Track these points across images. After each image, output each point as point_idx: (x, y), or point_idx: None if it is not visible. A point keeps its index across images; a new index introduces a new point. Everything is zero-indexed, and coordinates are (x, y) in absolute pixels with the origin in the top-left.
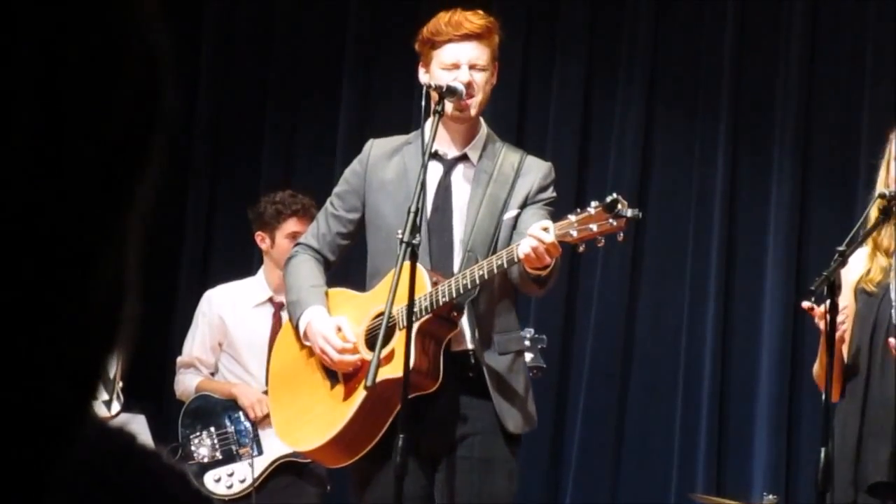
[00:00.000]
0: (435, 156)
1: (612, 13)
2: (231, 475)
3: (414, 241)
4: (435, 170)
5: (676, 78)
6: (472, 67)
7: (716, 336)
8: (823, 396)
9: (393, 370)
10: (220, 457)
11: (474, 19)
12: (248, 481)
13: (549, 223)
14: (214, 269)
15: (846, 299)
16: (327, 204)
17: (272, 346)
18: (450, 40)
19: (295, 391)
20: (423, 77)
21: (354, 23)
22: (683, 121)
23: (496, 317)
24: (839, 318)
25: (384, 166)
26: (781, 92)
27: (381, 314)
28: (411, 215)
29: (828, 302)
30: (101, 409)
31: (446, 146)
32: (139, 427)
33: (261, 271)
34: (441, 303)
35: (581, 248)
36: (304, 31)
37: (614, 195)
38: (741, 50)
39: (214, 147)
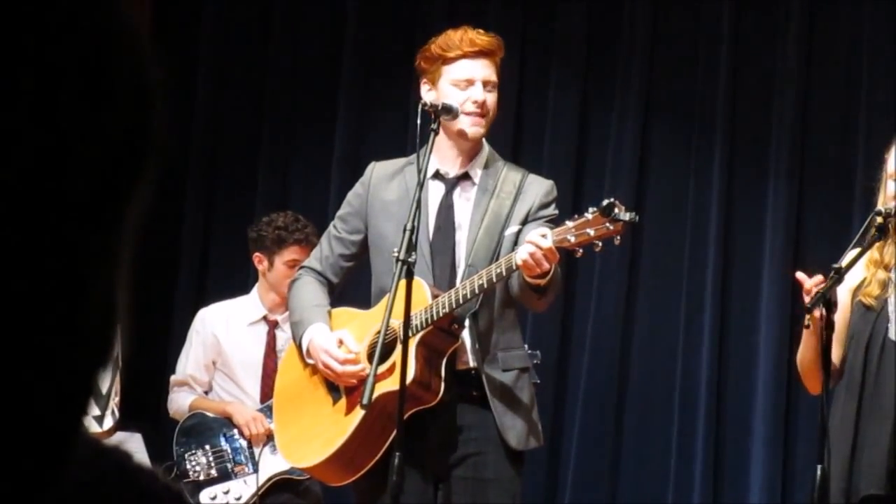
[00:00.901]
0: (437, 175)
1: (609, 25)
2: (227, 493)
3: (410, 259)
4: (437, 189)
5: (673, 89)
6: (484, 86)
7: (712, 350)
8: (820, 413)
9: (393, 383)
10: (216, 475)
11: (485, 36)
12: (244, 499)
13: (546, 230)
14: (210, 288)
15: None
16: (330, 226)
17: (266, 364)
18: (463, 56)
19: (298, 410)
20: (428, 94)
21: (350, 43)
22: (680, 132)
23: (499, 333)
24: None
25: (385, 187)
26: (778, 102)
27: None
28: (407, 233)
29: (824, 319)
30: (92, 425)
31: (448, 165)
32: (135, 446)
33: (255, 290)
34: (441, 314)
35: (579, 254)
36: (299, 52)
37: (611, 199)
38: (737, 61)
39: (210, 166)
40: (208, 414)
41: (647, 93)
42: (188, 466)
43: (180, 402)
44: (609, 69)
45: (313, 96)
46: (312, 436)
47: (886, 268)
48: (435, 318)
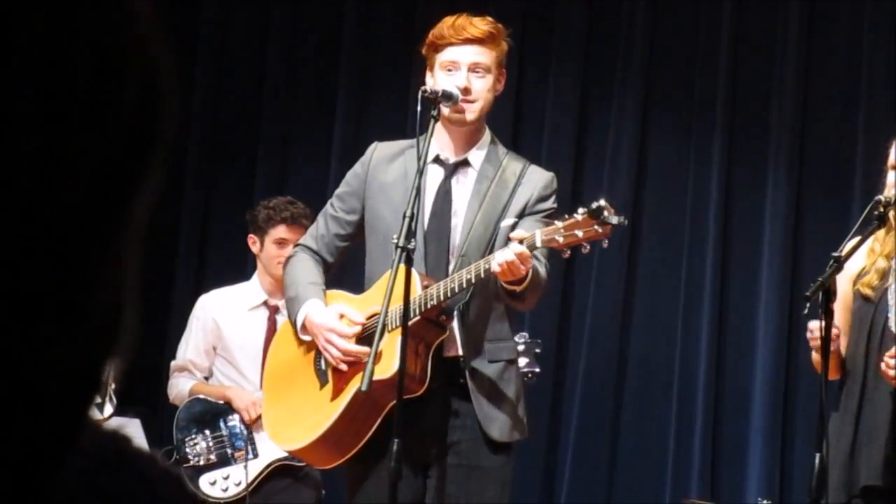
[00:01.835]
0: (436, 160)
1: (608, 23)
2: (226, 478)
3: (409, 246)
4: (436, 174)
5: (671, 87)
6: (472, 71)
7: (710, 342)
8: (819, 402)
9: (381, 371)
10: (215, 460)
11: (479, 24)
12: (244, 484)
13: (524, 233)
14: (209, 274)
15: (843, 292)
16: (327, 205)
17: (267, 349)
18: (451, 43)
19: (287, 390)
20: (429, 82)
21: (349, 31)
22: (678, 129)
23: (487, 325)
24: (833, 332)
25: (385, 169)
26: (776, 100)
27: (375, 315)
28: (407, 220)
29: (823, 307)
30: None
31: (448, 151)
32: (134, 431)
33: (255, 276)
34: (429, 306)
35: (566, 254)
36: (298, 40)
37: (601, 202)
38: (736, 60)
39: (209, 152)
40: (208, 399)
41: (646, 85)
42: (188, 451)
43: (180, 387)
44: (608, 62)
45: (312, 83)
46: (298, 418)
47: (887, 257)
48: (423, 308)
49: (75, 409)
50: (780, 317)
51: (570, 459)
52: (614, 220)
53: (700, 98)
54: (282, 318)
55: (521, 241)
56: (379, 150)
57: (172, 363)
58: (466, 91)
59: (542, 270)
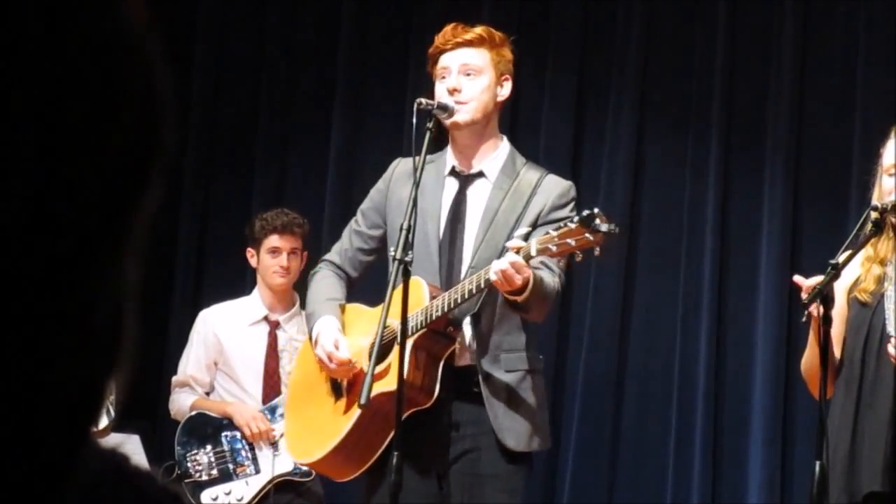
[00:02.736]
0: (452, 172)
1: (604, 27)
2: (228, 494)
3: (406, 259)
4: (451, 187)
5: (668, 91)
6: (464, 73)
7: (709, 348)
8: (819, 409)
9: (387, 384)
10: (217, 475)
11: (471, 29)
12: (245, 500)
13: (520, 243)
14: (208, 288)
15: (838, 304)
16: (352, 220)
17: (268, 364)
18: (444, 51)
19: (305, 404)
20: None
21: (346, 42)
22: (675, 134)
23: (502, 335)
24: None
25: (404, 184)
26: (773, 104)
27: (385, 328)
28: (403, 232)
29: (821, 314)
30: None
31: (463, 163)
32: (133, 447)
33: (255, 290)
34: (435, 317)
35: (579, 258)
36: (295, 51)
37: (594, 210)
38: (732, 64)
39: (206, 166)
40: (210, 414)
41: (642, 90)
42: (189, 466)
43: (181, 402)
44: (604, 66)
45: (309, 96)
46: (313, 432)
47: (882, 262)
48: (430, 320)
49: (77, 426)
50: (778, 323)
51: (570, 466)
52: (604, 227)
53: (696, 105)
54: (282, 333)
55: (517, 251)
56: (401, 166)
57: (173, 378)
58: (454, 91)
59: (553, 281)
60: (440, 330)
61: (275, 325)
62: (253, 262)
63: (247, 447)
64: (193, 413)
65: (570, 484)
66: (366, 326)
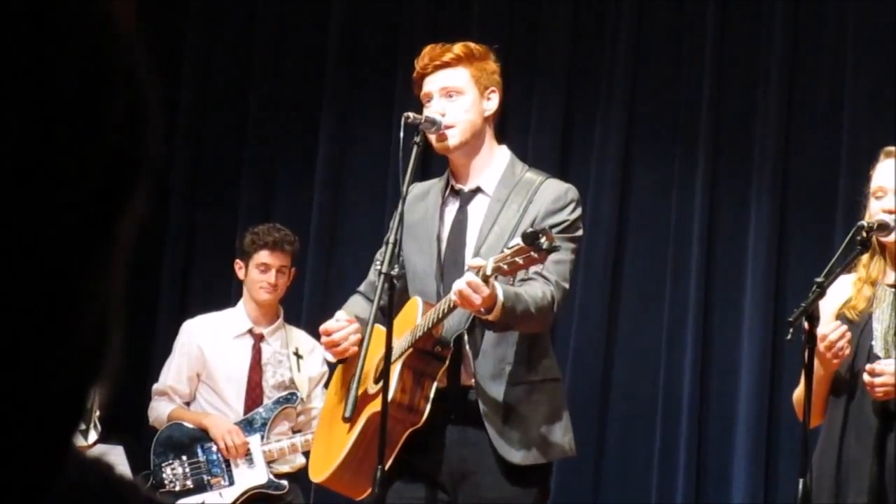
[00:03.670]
0: (453, 191)
1: (591, 47)
2: None
3: (392, 273)
4: (453, 206)
5: (655, 110)
6: (445, 96)
7: (694, 366)
8: (803, 427)
9: (378, 404)
10: (192, 486)
11: (448, 49)
12: None
13: (480, 262)
14: (192, 301)
15: (826, 327)
16: (378, 252)
17: (251, 377)
18: (425, 75)
19: (329, 423)
20: None
21: (333, 57)
22: (662, 154)
23: (508, 346)
24: (840, 343)
25: (414, 210)
26: (760, 123)
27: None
28: (389, 246)
29: (806, 333)
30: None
31: (462, 180)
32: (117, 458)
33: (241, 303)
34: (419, 336)
35: (534, 271)
36: (283, 65)
37: (537, 228)
38: (720, 82)
39: (193, 179)
40: (186, 425)
41: (630, 106)
42: (164, 476)
43: (160, 410)
44: (592, 82)
45: (296, 112)
46: (326, 450)
47: (873, 283)
48: (414, 340)
49: (60, 435)
50: (763, 341)
51: (553, 484)
52: (546, 245)
53: (683, 123)
54: (266, 347)
55: (478, 271)
56: (413, 191)
57: (154, 386)
58: (441, 116)
59: (542, 292)
60: (428, 350)
61: (259, 339)
62: (240, 273)
63: (223, 460)
64: (171, 424)
65: (553, 499)
66: (378, 346)
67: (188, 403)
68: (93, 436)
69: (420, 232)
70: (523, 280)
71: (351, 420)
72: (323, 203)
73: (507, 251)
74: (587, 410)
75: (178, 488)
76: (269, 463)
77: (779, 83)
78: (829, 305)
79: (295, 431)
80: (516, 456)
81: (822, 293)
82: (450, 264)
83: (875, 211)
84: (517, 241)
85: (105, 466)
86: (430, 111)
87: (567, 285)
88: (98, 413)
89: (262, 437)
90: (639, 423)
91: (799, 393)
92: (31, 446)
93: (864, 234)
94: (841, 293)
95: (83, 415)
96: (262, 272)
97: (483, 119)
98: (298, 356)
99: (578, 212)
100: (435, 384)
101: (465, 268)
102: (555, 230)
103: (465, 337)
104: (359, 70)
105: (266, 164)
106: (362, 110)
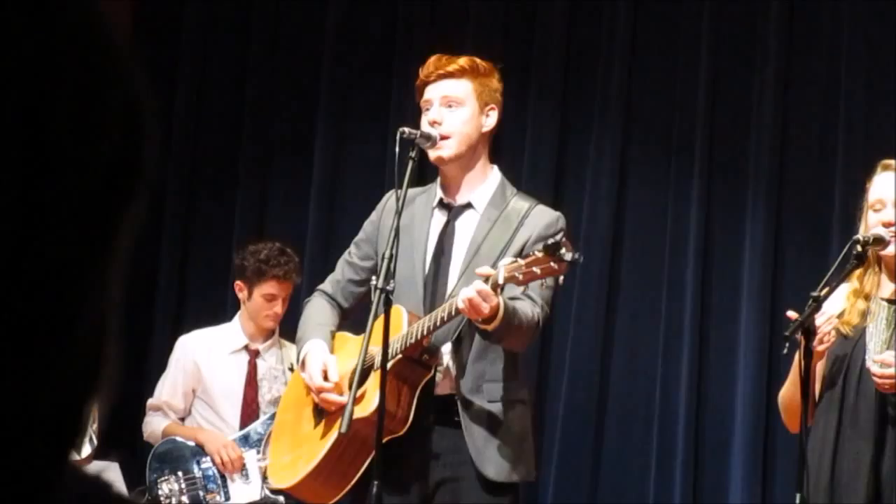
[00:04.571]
0: (440, 204)
1: (587, 59)
2: None
3: (388, 288)
4: (439, 219)
5: (651, 121)
6: (445, 105)
7: (691, 377)
8: (799, 440)
9: (362, 409)
10: (187, 501)
11: (454, 60)
12: None
13: (489, 270)
14: (187, 315)
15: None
16: (346, 251)
17: (246, 393)
18: (427, 83)
19: (291, 427)
20: None
21: (328, 71)
22: (658, 163)
23: (486, 364)
24: (826, 328)
25: (395, 216)
26: (755, 134)
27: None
28: (385, 261)
29: (802, 346)
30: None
31: (451, 194)
32: (113, 475)
33: (237, 318)
34: (408, 344)
35: (522, 290)
36: (277, 80)
37: (558, 237)
38: (715, 93)
39: (188, 193)
40: (183, 441)
41: (625, 119)
42: (160, 492)
43: (154, 426)
44: (587, 95)
45: (291, 125)
46: (294, 456)
47: (867, 297)
48: (404, 347)
49: (57, 451)
50: (760, 352)
51: (550, 495)
52: (568, 256)
53: (679, 134)
54: (262, 362)
55: (486, 279)
56: (393, 197)
57: (149, 401)
58: (434, 123)
59: (532, 312)
60: (415, 357)
61: (255, 354)
62: (241, 296)
63: (218, 475)
64: (166, 439)
65: None
66: (348, 354)
67: (183, 419)
68: (87, 449)
69: (405, 239)
70: (512, 298)
71: (326, 426)
72: (319, 217)
73: (521, 260)
74: (584, 422)
75: (173, 503)
76: (265, 478)
77: (773, 97)
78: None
79: None
80: (491, 471)
81: (817, 307)
82: (433, 275)
83: (873, 223)
84: (536, 251)
85: (103, 484)
86: (428, 116)
87: (549, 310)
88: (95, 425)
89: (258, 452)
90: (635, 435)
91: (784, 393)
92: (28, 461)
93: (861, 247)
94: (834, 305)
95: (81, 431)
96: (268, 301)
97: (479, 134)
98: (293, 372)
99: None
100: (417, 392)
101: (455, 278)
102: None
103: (451, 348)
104: (354, 83)
105: (261, 177)
106: (358, 124)
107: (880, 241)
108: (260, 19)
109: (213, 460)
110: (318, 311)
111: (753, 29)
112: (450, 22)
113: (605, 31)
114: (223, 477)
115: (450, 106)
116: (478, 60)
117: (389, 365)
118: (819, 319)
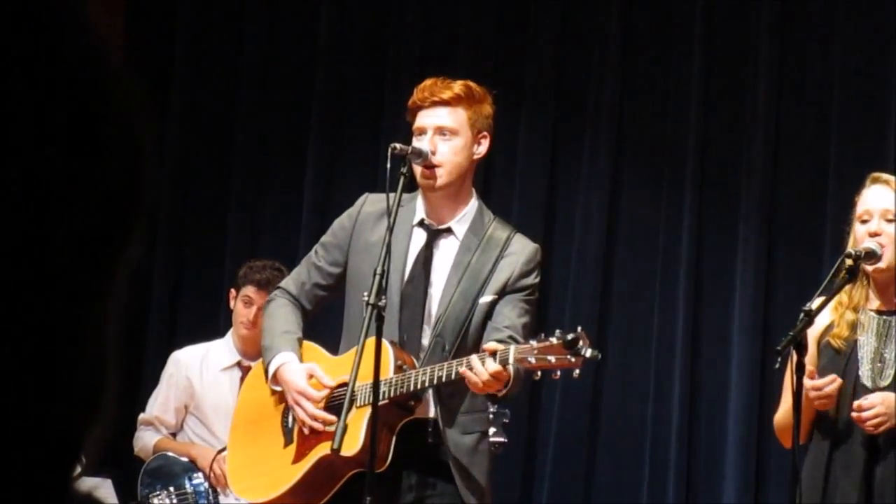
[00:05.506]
0: (421, 224)
1: (578, 78)
2: None
3: (380, 304)
4: (419, 239)
5: (643, 138)
6: (439, 134)
7: (683, 396)
8: (792, 459)
9: (346, 448)
10: None
11: (448, 86)
12: None
13: (496, 346)
14: (180, 332)
15: (810, 353)
16: (312, 251)
17: None
18: (421, 108)
19: (253, 437)
20: None
21: (320, 89)
22: (650, 182)
23: (463, 397)
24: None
25: (372, 227)
26: (747, 151)
27: (345, 384)
28: (377, 277)
29: (795, 362)
30: None
31: (432, 216)
32: (106, 492)
33: (229, 334)
34: (399, 393)
35: (537, 376)
36: (269, 96)
37: (578, 331)
38: (708, 110)
39: (180, 210)
40: (174, 455)
41: (616, 137)
42: None
43: (145, 440)
44: (579, 112)
45: (282, 142)
46: (259, 472)
47: (855, 309)
48: (392, 394)
49: (58, 478)
50: (751, 370)
51: None
52: (588, 353)
53: (671, 151)
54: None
55: (493, 354)
56: (368, 205)
57: (140, 416)
58: (431, 154)
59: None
60: (401, 403)
61: (247, 371)
62: (231, 303)
63: (210, 490)
64: (158, 454)
65: None
66: (324, 370)
67: (174, 434)
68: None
69: (379, 254)
70: (498, 340)
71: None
72: (310, 235)
73: (535, 344)
74: (576, 445)
75: None
76: None
77: (765, 114)
78: (812, 331)
79: None
80: (473, 501)
81: (809, 322)
82: (409, 298)
83: (861, 235)
84: (551, 339)
85: (96, 502)
86: (421, 144)
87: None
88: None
89: None
90: (628, 453)
91: (780, 417)
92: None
93: (853, 261)
94: (820, 319)
95: (78, 461)
96: (245, 306)
97: (470, 162)
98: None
99: (540, 274)
100: (397, 430)
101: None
102: (524, 293)
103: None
104: (346, 101)
105: (253, 196)
106: (349, 142)
107: (872, 256)
108: (252, 44)
109: (204, 475)
110: (284, 316)
111: (745, 45)
112: (442, 36)
113: (597, 50)
114: (215, 491)
115: (444, 134)
116: (472, 86)
117: (372, 409)
118: (828, 388)
